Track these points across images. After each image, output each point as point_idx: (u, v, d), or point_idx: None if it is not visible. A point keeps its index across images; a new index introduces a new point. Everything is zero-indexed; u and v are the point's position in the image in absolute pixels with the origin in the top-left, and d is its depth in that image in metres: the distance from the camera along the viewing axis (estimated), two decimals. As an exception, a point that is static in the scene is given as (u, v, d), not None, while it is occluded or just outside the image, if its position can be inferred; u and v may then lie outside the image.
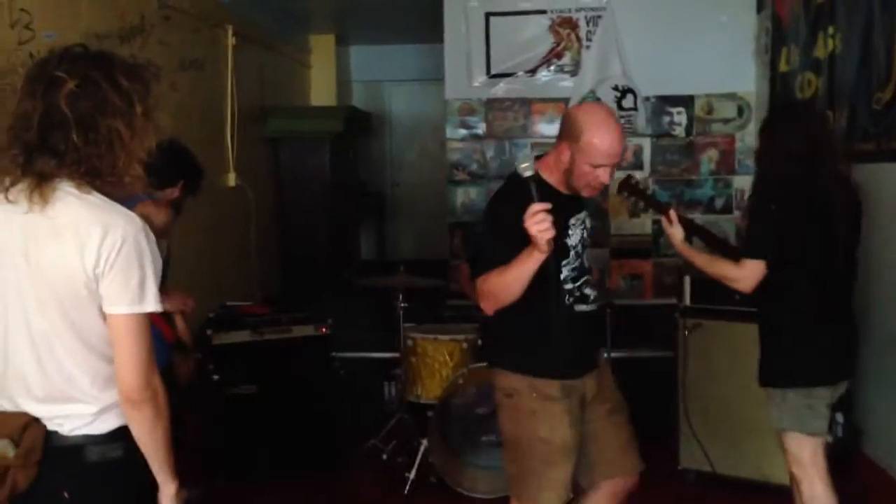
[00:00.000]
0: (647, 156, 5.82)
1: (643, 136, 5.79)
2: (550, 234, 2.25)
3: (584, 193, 2.59)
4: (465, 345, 4.04)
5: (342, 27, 7.85)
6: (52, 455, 1.72)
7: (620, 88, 5.66)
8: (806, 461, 2.82)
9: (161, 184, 3.20)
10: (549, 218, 2.25)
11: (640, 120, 5.71)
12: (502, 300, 2.43)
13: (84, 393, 1.73)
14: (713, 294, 3.76)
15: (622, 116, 5.69)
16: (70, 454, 1.72)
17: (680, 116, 5.79)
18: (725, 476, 3.90)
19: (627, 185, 3.15)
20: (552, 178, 2.57)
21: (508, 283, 2.37)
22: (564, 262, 2.58)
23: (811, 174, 2.76)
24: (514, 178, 2.43)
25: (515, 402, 2.60)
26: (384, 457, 4.22)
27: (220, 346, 3.98)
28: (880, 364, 3.81)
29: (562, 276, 2.57)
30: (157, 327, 2.98)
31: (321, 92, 7.94)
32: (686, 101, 5.77)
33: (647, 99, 5.72)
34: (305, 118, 6.70)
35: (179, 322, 3.19)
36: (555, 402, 2.57)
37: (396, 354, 4.27)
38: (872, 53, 3.88)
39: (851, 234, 2.87)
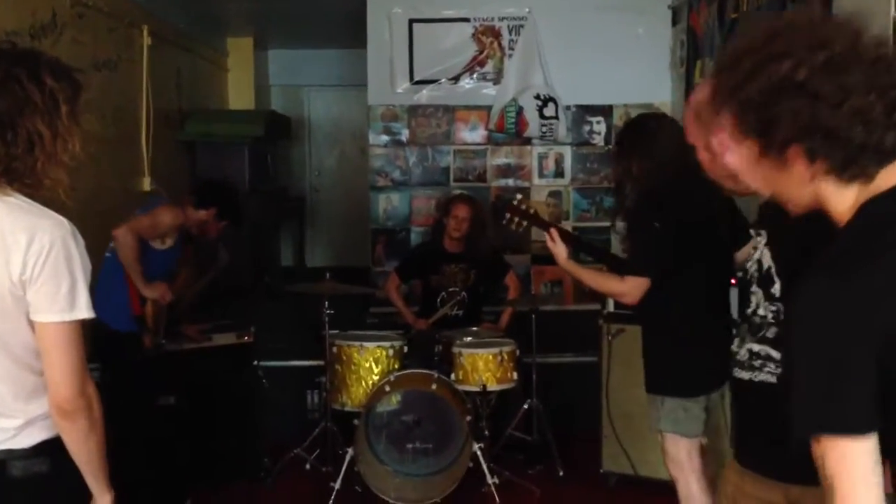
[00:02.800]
0: (567, 164, 5.91)
1: (564, 144, 5.88)
2: None
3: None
4: (390, 351, 4.02)
5: (261, 30, 7.73)
6: None
7: (542, 97, 5.73)
8: (682, 461, 2.90)
9: (196, 204, 3.86)
10: None
11: (561, 129, 5.79)
12: None
13: (6, 406, 1.64)
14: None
15: (543, 125, 5.77)
16: None
17: (599, 125, 5.90)
18: (646, 478, 3.97)
19: (511, 208, 3.19)
20: None
21: None
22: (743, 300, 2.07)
23: (682, 181, 2.73)
24: None
25: None
26: (308, 466, 4.16)
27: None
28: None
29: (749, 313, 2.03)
30: (129, 297, 3.58)
31: (239, 96, 7.79)
32: (605, 111, 5.89)
33: (567, 108, 5.81)
34: (224, 122, 6.55)
35: (150, 306, 3.69)
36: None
37: (320, 362, 4.21)
38: (784, 67, 4.03)
39: (730, 240, 2.89)
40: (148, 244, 3.66)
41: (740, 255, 2.87)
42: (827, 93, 1.17)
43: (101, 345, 3.47)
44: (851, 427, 1.15)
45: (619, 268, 2.98)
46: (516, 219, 3.16)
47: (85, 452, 1.67)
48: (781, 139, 1.22)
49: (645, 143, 2.87)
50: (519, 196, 3.32)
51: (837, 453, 1.14)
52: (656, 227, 2.78)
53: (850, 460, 1.14)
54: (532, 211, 3.22)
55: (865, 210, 1.22)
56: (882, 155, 1.20)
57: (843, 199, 1.25)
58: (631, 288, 2.81)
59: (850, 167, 1.22)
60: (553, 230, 3.00)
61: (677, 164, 2.73)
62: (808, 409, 1.18)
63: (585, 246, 3.33)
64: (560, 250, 2.98)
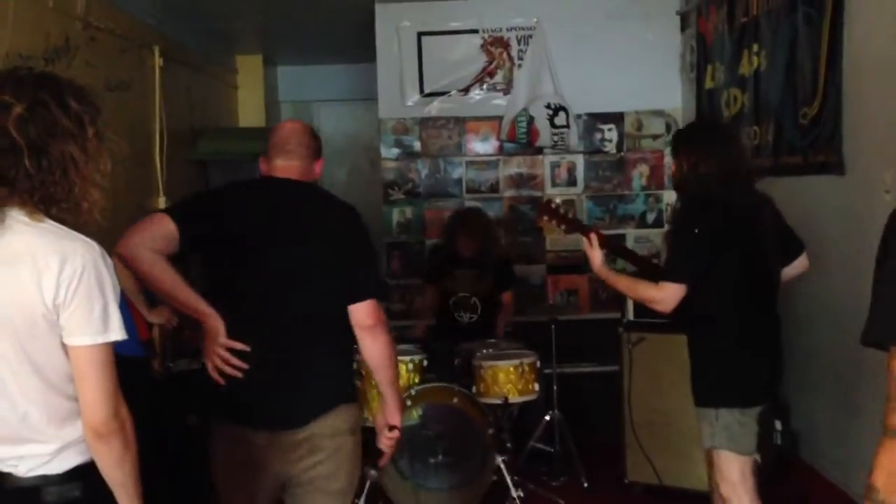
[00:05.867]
0: (580, 172, 5.90)
1: (576, 152, 5.86)
2: None
3: None
4: (410, 366, 4.00)
5: (269, 47, 7.75)
6: (8, 497, 1.63)
7: (552, 106, 5.73)
8: (735, 479, 2.80)
9: None
10: None
11: (573, 137, 5.78)
12: None
13: (40, 432, 1.64)
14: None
15: (555, 134, 5.76)
16: (26, 496, 1.63)
17: (611, 133, 5.89)
18: (672, 487, 3.95)
19: (547, 210, 3.17)
20: None
21: None
22: None
23: (730, 194, 2.79)
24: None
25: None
26: (330, 483, 4.13)
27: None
28: (812, 371, 3.92)
29: None
30: (134, 321, 3.52)
31: (249, 113, 7.81)
32: (616, 118, 5.88)
33: (578, 116, 5.81)
34: (236, 139, 6.56)
35: (156, 330, 3.70)
36: None
37: (340, 378, 4.19)
38: (798, 69, 4.02)
39: (776, 248, 2.92)
40: None
41: (793, 269, 2.98)
42: None
43: None
44: None
45: (654, 274, 2.92)
46: (553, 221, 3.14)
47: (120, 475, 1.67)
48: None
49: (708, 150, 2.88)
50: (558, 200, 3.41)
51: None
52: (696, 234, 2.78)
53: None
54: (570, 215, 3.20)
55: None
56: None
57: None
58: (666, 295, 2.77)
59: None
60: (592, 235, 2.99)
61: (725, 172, 2.80)
62: (881, 320, 1.27)
63: (625, 251, 3.33)
64: (596, 255, 2.97)
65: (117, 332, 1.64)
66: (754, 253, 2.80)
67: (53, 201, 1.62)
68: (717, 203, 2.78)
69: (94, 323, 1.61)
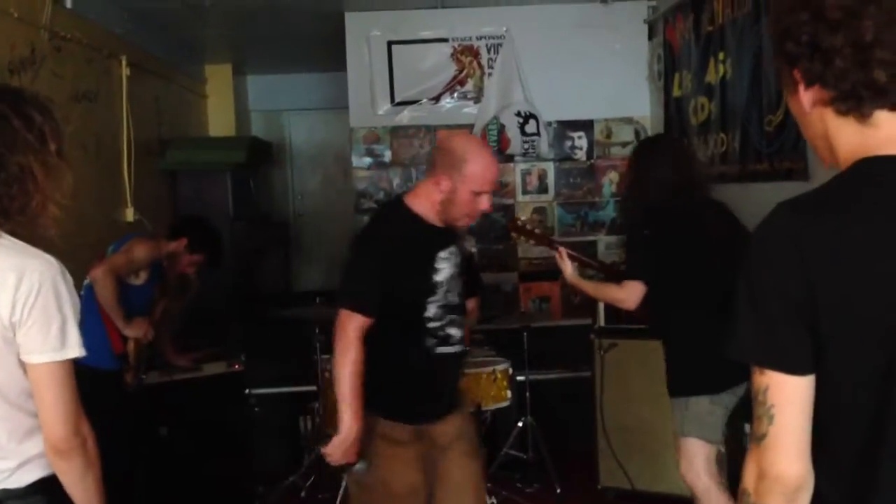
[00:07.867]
0: (551, 179, 5.93)
1: (546, 160, 5.90)
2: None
3: (463, 223, 2.66)
4: (383, 375, 3.99)
5: (239, 57, 7.72)
6: None
7: (523, 114, 5.75)
8: (700, 466, 3.01)
9: (168, 236, 3.87)
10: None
11: (543, 145, 5.81)
12: None
13: (1, 448, 1.62)
14: (627, 314, 3.84)
15: (525, 141, 5.79)
16: None
17: (581, 140, 5.93)
18: (645, 492, 3.97)
19: (516, 227, 3.45)
20: (424, 210, 2.58)
21: None
22: (430, 300, 2.53)
23: (678, 200, 3.02)
24: None
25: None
26: (303, 494, 4.11)
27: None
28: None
29: (426, 314, 2.52)
30: (108, 337, 3.51)
31: (219, 122, 7.76)
32: (586, 126, 5.93)
33: (549, 124, 5.84)
34: (206, 149, 6.52)
35: (131, 344, 3.64)
36: (404, 446, 2.53)
37: (313, 388, 4.18)
38: (763, 78, 4.07)
39: (729, 249, 3.01)
40: (124, 281, 3.60)
41: None
42: (829, 12, 1.16)
43: (83, 386, 3.43)
44: (784, 365, 1.17)
45: (619, 278, 3.15)
46: (522, 237, 3.41)
47: (82, 491, 1.65)
48: (788, 57, 1.23)
49: (650, 161, 3.13)
50: (523, 217, 3.67)
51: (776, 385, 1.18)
52: (646, 234, 3.02)
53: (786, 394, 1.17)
54: (537, 231, 3.45)
55: (857, 166, 1.22)
56: (874, 91, 1.18)
57: (844, 139, 1.23)
58: (629, 293, 3.01)
59: (845, 97, 1.19)
60: (561, 248, 3.25)
61: (677, 183, 3.03)
62: (746, 339, 1.20)
63: (587, 260, 3.54)
64: (567, 266, 3.22)
65: (75, 350, 1.62)
66: (703, 253, 2.99)
67: (7, 214, 1.60)
68: (660, 209, 3.01)
69: (52, 341, 1.59)
